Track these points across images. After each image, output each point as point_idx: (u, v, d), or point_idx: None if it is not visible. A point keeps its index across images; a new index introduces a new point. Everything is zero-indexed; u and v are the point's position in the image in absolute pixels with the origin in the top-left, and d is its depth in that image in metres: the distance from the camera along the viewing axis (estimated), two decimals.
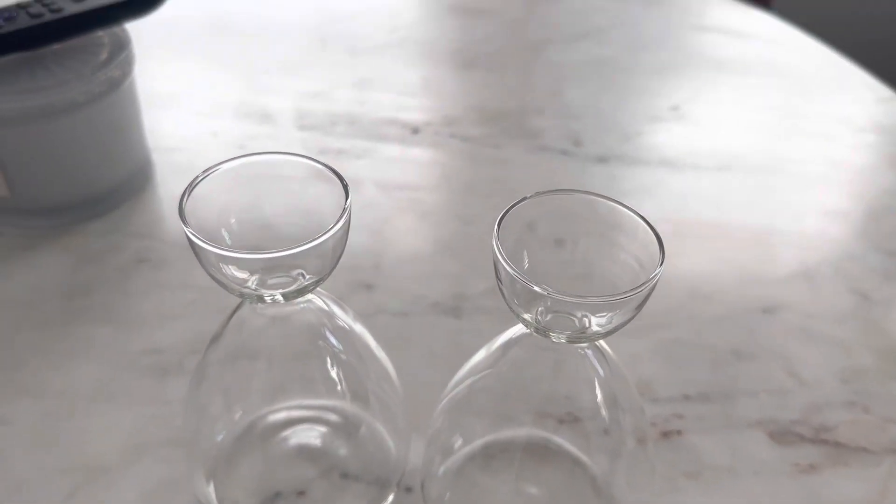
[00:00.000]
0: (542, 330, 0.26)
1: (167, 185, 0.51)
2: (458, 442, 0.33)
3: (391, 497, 0.34)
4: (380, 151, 0.55)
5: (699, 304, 0.45)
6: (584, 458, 0.34)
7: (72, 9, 0.43)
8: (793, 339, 0.43)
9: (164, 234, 0.48)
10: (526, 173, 0.54)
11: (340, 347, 0.31)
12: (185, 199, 0.25)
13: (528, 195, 0.26)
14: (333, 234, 0.25)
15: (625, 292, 0.23)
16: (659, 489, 0.36)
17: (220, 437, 0.33)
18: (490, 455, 0.33)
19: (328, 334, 0.30)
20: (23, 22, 0.42)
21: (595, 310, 0.24)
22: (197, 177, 0.26)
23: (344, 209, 0.25)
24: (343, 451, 0.34)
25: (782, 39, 0.72)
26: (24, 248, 0.46)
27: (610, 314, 0.24)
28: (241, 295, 0.26)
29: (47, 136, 0.44)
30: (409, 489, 0.35)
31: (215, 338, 0.30)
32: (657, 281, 0.24)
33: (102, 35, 0.46)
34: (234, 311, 0.29)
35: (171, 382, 0.39)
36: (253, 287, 0.26)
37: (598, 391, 0.29)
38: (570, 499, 0.34)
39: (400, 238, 0.49)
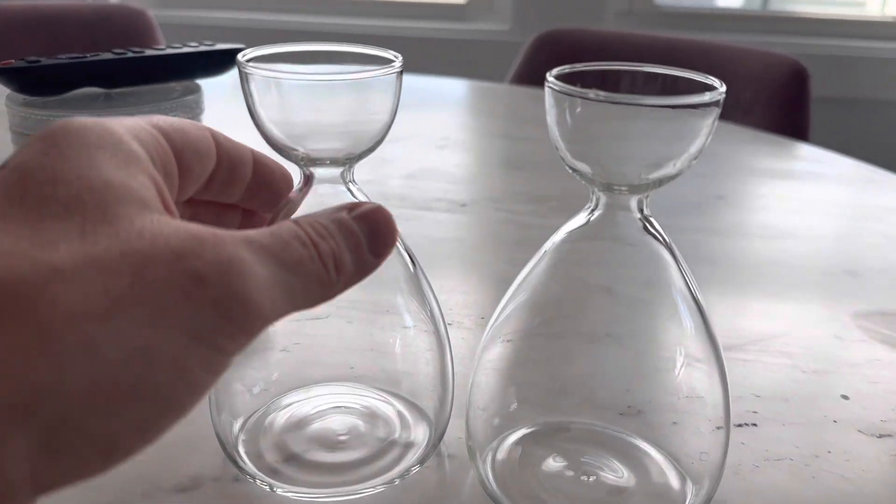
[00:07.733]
0: (601, 183, 0.25)
1: None
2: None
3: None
4: (428, 217, 0.56)
5: None
6: None
7: (150, 53, 0.48)
8: None
9: None
10: None
11: None
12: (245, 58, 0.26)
13: (582, 65, 0.27)
14: (388, 77, 0.25)
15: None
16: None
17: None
18: None
19: None
20: (107, 57, 0.46)
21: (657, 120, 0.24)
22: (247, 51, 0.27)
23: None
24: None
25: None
26: None
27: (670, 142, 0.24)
28: (290, 154, 0.26)
29: None
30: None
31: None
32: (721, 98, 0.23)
33: (176, 84, 0.50)
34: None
35: None
36: (303, 151, 0.26)
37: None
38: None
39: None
